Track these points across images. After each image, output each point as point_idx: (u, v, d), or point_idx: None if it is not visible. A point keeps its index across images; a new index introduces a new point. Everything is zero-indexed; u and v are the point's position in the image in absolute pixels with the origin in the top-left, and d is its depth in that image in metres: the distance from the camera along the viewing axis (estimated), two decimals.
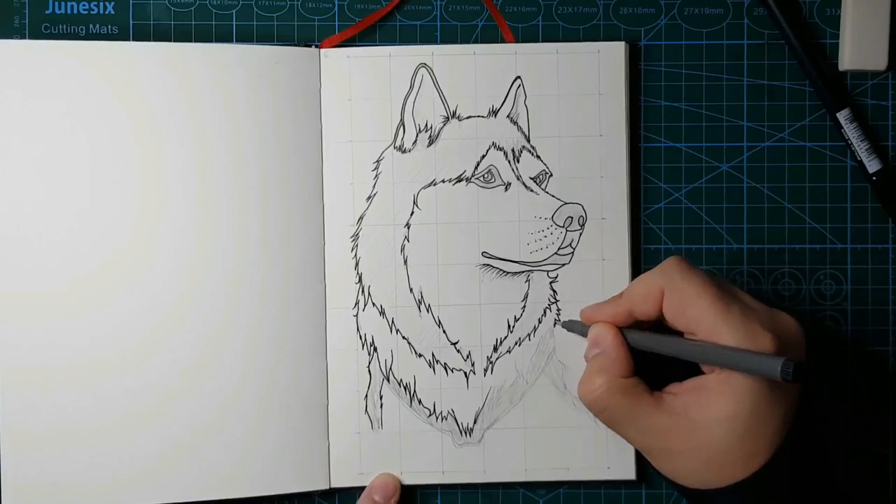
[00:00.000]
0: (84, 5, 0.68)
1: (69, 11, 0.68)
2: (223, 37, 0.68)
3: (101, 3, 0.68)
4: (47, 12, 0.68)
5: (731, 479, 0.56)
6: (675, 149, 0.68)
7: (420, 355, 0.67)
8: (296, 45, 0.67)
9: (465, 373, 0.67)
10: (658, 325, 0.60)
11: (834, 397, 0.68)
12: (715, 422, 0.56)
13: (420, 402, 0.67)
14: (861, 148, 0.67)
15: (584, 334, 0.63)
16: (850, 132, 0.67)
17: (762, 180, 0.68)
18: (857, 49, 0.67)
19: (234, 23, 0.68)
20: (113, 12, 0.68)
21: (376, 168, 0.67)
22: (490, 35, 0.68)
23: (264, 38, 0.68)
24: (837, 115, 0.67)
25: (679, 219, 0.68)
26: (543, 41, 0.68)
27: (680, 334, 0.58)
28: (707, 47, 0.68)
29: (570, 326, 0.66)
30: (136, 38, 0.68)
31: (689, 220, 0.68)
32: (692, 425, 0.56)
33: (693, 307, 0.57)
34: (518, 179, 0.67)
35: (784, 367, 0.52)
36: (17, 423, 0.64)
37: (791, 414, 0.56)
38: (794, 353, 0.56)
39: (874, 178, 0.67)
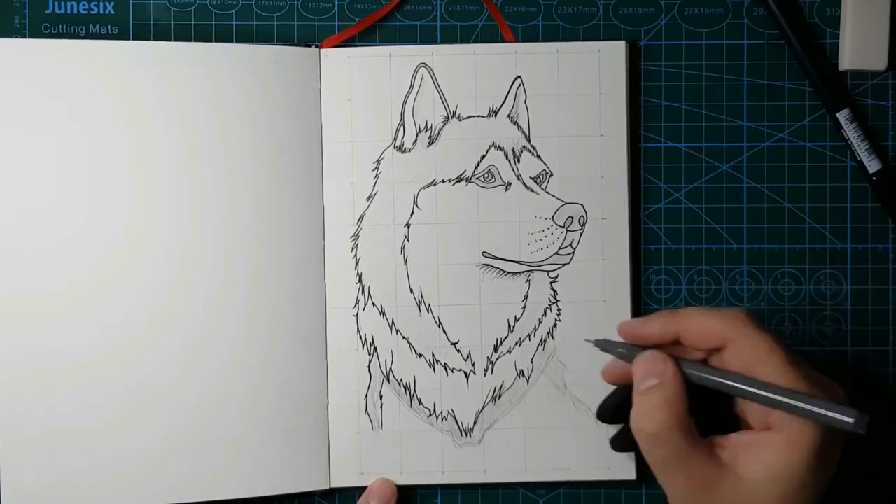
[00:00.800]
0: (84, 5, 0.68)
1: (69, 11, 0.68)
2: (223, 37, 0.68)
3: (101, 3, 0.68)
4: (47, 12, 0.68)
5: None
6: (675, 149, 0.68)
7: (420, 355, 0.67)
8: (296, 45, 0.67)
9: (466, 373, 0.67)
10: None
11: None
12: (764, 479, 0.54)
13: (420, 402, 0.67)
14: (861, 148, 0.67)
15: (623, 356, 0.59)
16: (850, 132, 0.67)
17: (762, 180, 0.68)
18: (857, 49, 0.67)
19: (234, 23, 0.68)
20: (113, 12, 0.68)
21: (376, 168, 0.67)
22: (490, 35, 0.68)
23: (264, 37, 0.68)
24: (837, 115, 0.67)
25: (679, 219, 0.68)
26: (543, 41, 0.68)
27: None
28: (707, 47, 0.68)
29: (607, 347, 0.60)
30: (136, 38, 0.68)
31: (689, 220, 0.68)
32: (739, 480, 0.54)
33: (766, 364, 0.54)
34: (518, 179, 0.66)
35: (858, 420, 0.51)
36: (13, 425, 0.64)
37: (831, 475, 0.55)
38: None
39: (874, 178, 0.67)
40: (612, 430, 0.65)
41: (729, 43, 0.68)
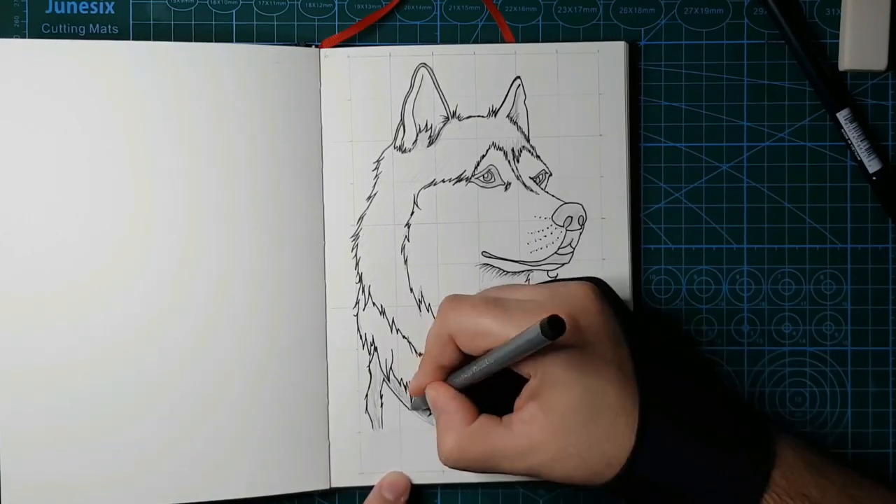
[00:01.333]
0: (84, 5, 0.68)
1: (69, 11, 0.68)
2: (223, 37, 0.68)
3: (101, 3, 0.68)
4: (47, 12, 0.68)
5: (617, 463, 0.57)
6: (675, 149, 0.68)
7: (420, 355, 0.67)
8: (296, 45, 0.67)
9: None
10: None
11: (834, 398, 0.68)
12: (561, 418, 0.57)
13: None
14: (861, 148, 0.67)
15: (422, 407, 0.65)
16: (850, 132, 0.67)
17: (762, 180, 0.68)
18: (857, 49, 0.67)
19: (233, 22, 0.68)
20: (113, 12, 0.68)
21: (376, 168, 0.67)
22: (490, 35, 0.68)
23: (264, 37, 0.68)
24: (837, 115, 0.67)
25: (679, 219, 0.68)
26: (543, 41, 0.68)
27: None
28: (707, 47, 0.68)
29: (416, 406, 0.66)
30: (136, 38, 0.68)
31: (689, 220, 0.68)
32: (548, 428, 0.57)
33: (479, 336, 0.58)
34: (518, 179, 0.67)
35: (542, 330, 0.52)
36: (12, 424, 0.64)
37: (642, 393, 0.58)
38: (585, 317, 0.58)
39: (874, 178, 0.67)
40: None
41: (729, 43, 0.68)
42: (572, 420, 0.57)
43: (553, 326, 0.52)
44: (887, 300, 0.68)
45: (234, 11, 0.68)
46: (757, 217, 0.68)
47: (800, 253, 0.68)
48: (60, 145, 0.64)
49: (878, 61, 0.67)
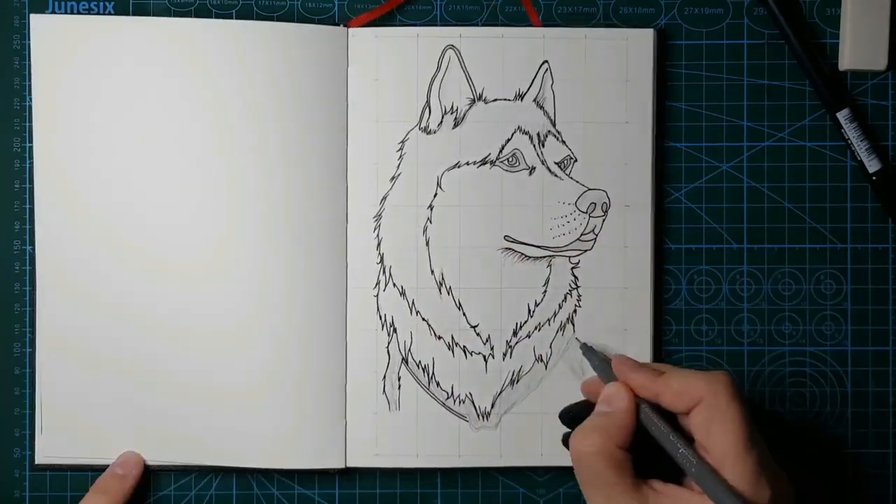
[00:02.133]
0: (84, 5, 0.67)
1: (69, 11, 0.67)
2: None
3: (102, 3, 0.67)
4: (47, 11, 0.67)
5: None
6: (676, 149, 0.68)
7: (439, 337, 0.67)
8: (324, 24, 0.67)
9: (484, 356, 0.67)
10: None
11: (834, 398, 0.69)
12: None
13: (438, 384, 0.67)
14: (861, 148, 0.67)
15: (597, 368, 0.63)
16: (850, 132, 0.67)
17: (762, 180, 0.68)
18: (857, 49, 0.68)
19: (234, 21, 0.67)
20: (113, 12, 0.67)
21: (401, 149, 0.66)
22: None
23: None
24: (837, 114, 0.67)
25: (679, 219, 0.68)
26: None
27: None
28: (707, 47, 0.69)
29: (588, 354, 0.65)
30: None
31: (689, 220, 0.68)
32: None
33: (722, 433, 0.55)
34: (542, 164, 0.67)
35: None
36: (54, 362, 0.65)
37: None
38: None
39: (874, 178, 0.68)
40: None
41: (729, 43, 0.69)
42: None
43: None
44: (887, 300, 0.69)
45: (233, 11, 0.68)
46: (757, 217, 0.69)
47: (800, 253, 0.69)
48: (97, 124, 0.65)
49: (878, 61, 0.68)
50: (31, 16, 0.65)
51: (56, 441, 0.66)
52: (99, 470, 0.66)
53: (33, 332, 0.66)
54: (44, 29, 0.65)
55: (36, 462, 0.66)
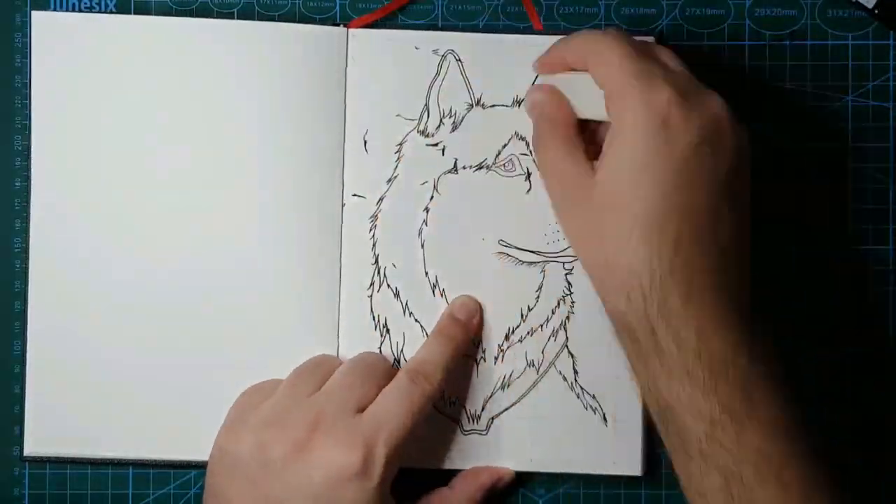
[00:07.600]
0: (86, 3, 0.67)
1: (71, 8, 0.67)
2: None
3: (103, 2, 0.68)
4: (49, 9, 0.67)
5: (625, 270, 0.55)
6: None
7: None
8: (325, 25, 0.67)
9: (476, 360, 0.67)
10: None
11: (834, 399, 0.68)
12: (611, 169, 0.56)
13: None
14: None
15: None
16: None
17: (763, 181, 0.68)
18: None
19: (235, 21, 0.68)
20: (114, 10, 0.68)
21: (398, 151, 0.67)
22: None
23: None
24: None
25: None
26: None
27: None
28: (708, 48, 0.68)
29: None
30: None
31: None
32: (596, 179, 0.57)
33: (604, 64, 0.58)
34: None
35: None
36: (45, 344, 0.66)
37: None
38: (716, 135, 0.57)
39: None
40: None
41: (730, 44, 0.68)
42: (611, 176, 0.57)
43: None
44: (887, 300, 0.69)
45: (235, 10, 0.68)
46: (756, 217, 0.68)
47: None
48: (96, 121, 0.66)
49: None
50: (33, 13, 0.66)
51: (46, 433, 0.66)
52: (91, 463, 0.67)
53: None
54: (45, 26, 0.65)
55: (24, 454, 0.66)
